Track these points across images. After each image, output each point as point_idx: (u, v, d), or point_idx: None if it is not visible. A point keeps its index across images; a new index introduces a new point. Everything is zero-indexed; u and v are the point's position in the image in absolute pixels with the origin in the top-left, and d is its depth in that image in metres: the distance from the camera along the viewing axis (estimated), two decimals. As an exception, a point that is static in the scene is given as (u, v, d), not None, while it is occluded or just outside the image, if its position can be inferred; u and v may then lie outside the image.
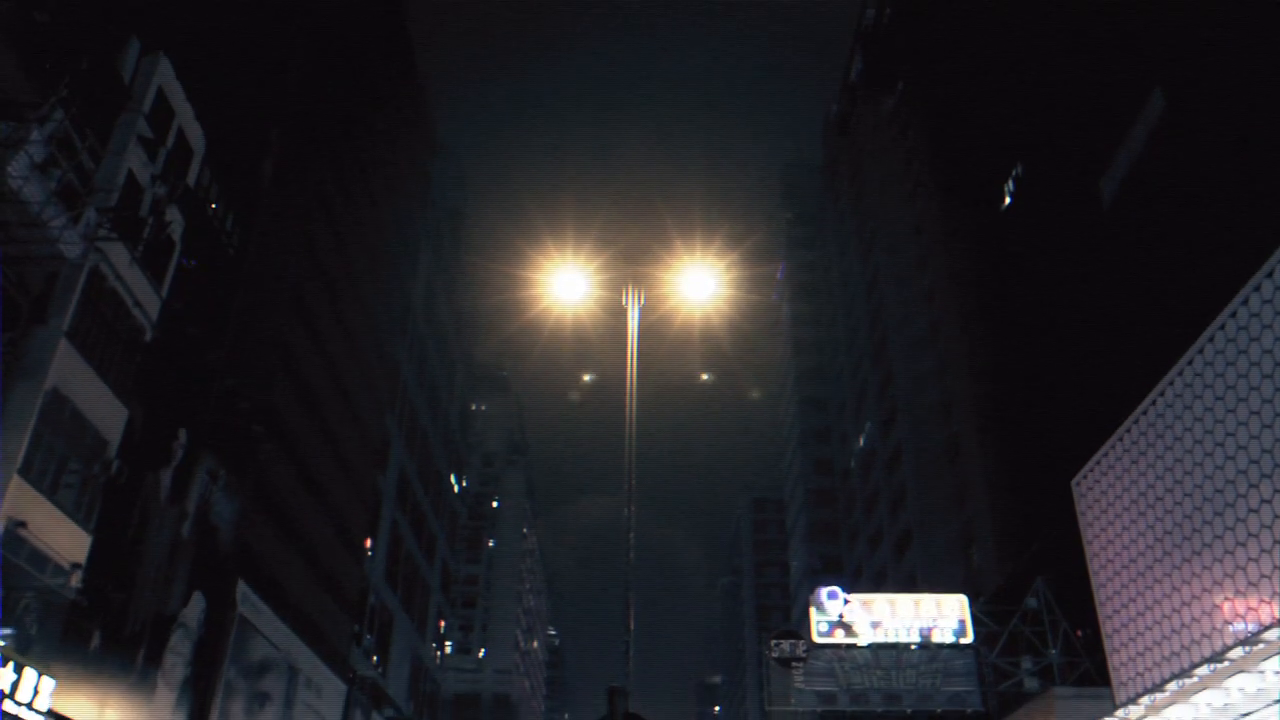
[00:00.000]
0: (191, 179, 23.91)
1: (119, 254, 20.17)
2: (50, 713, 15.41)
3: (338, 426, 37.63)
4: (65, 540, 18.59)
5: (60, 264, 18.63)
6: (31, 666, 14.56)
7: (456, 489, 69.53)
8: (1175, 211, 24.98)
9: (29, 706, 14.35)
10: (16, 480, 17.02)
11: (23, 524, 17.08)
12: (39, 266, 18.28)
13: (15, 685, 14.05)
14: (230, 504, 27.15)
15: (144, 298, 21.37)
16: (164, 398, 22.80)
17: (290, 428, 32.41)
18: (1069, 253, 31.54)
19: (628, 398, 12.25)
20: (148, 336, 21.68)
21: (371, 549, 44.07)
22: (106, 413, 20.11)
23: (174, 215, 22.78)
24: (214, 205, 25.61)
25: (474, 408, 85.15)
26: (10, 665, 13.94)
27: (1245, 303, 17.49)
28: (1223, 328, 18.23)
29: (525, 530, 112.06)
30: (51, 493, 18.33)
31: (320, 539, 35.76)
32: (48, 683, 14.83)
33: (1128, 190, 27.88)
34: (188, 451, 24.36)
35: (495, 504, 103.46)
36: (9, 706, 13.81)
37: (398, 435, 48.79)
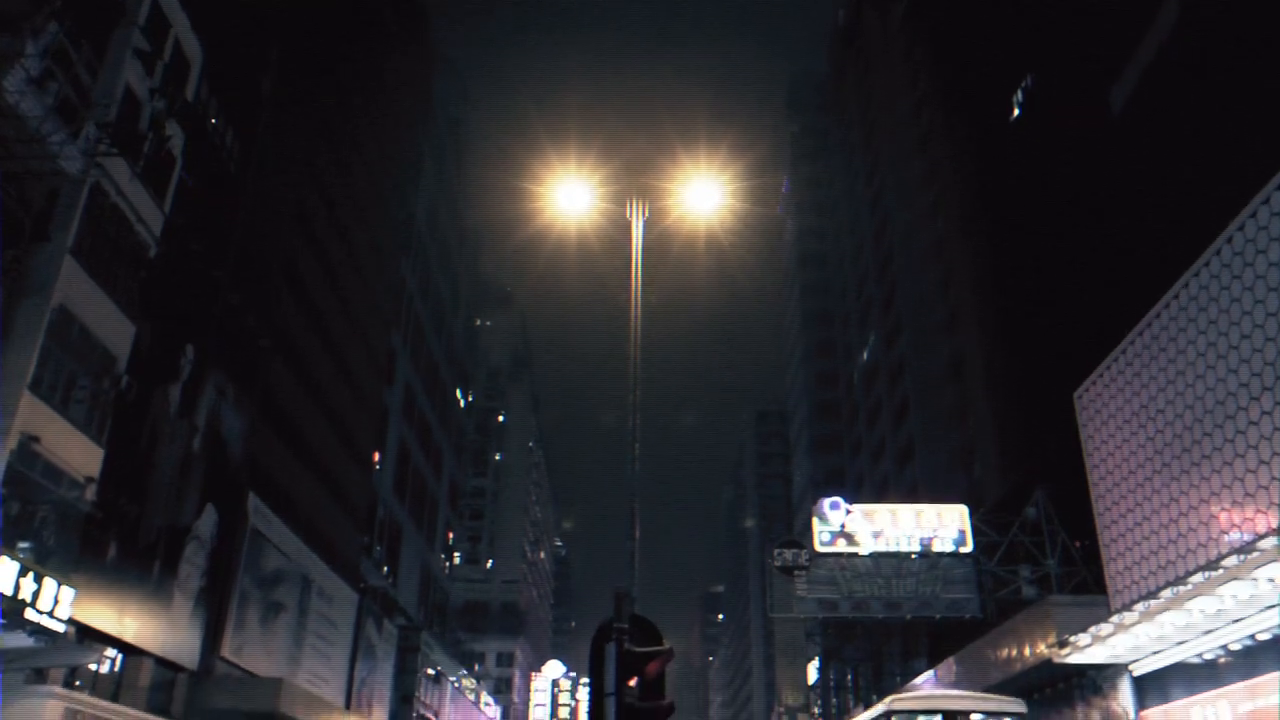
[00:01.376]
0: (190, 93, 23.54)
1: (120, 170, 19.99)
2: (71, 621, 15.85)
3: (343, 342, 37.81)
4: (78, 454, 18.87)
5: (61, 180, 18.48)
6: (51, 577, 14.93)
7: (462, 404, 70.16)
8: (1186, 122, 24.56)
9: (50, 615, 14.76)
10: (27, 396, 17.19)
11: (36, 439, 17.31)
12: (40, 183, 18.14)
13: (36, 594, 14.42)
14: (239, 418, 27.45)
15: (147, 214, 21.26)
16: (170, 314, 22.87)
17: (296, 343, 32.58)
18: (1077, 165, 31.13)
19: (632, 310, 12.27)
20: (152, 253, 21.63)
21: (379, 463, 44.69)
22: (114, 329, 20.19)
23: (174, 130, 22.50)
24: (213, 120, 25.27)
25: (479, 323, 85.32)
26: (31, 575, 14.30)
27: (1254, 215, 17.34)
28: (1229, 241, 18.11)
29: (531, 444, 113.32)
30: (63, 408, 18.53)
31: (328, 453, 36.25)
32: (67, 592, 15.23)
33: (1138, 100, 27.36)
34: (195, 367, 24.54)
35: (501, 418, 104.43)
36: (31, 615, 14.20)
37: (403, 351, 49.02)
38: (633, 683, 8.32)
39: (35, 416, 17.44)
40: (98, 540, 20.16)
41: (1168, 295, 20.48)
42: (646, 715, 8.25)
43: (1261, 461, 17.06)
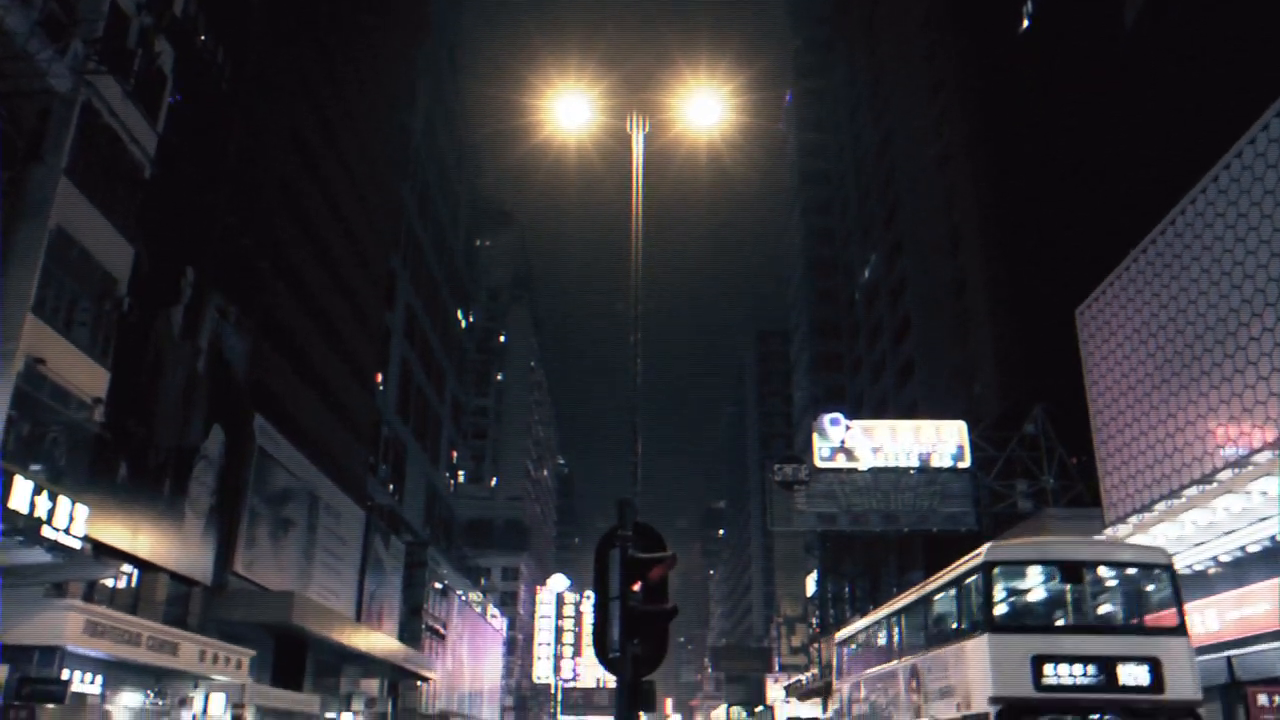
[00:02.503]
0: (178, 8, 23.02)
1: (111, 89, 19.66)
2: (87, 538, 16.17)
3: (343, 264, 37.68)
4: (84, 376, 18.99)
5: (51, 99, 18.20)
6: (65, 495, 15.18)
7: (463, 324, 70.21)
8: (1197, 36, 24.05)
9: (66, 532, 15.05)
10: (31, 318, 17.23)
11: (41, 361, 17.40)
12: (30, 102, 17.86)
13: (52, 512, 14.69)
14: (241, 340, 27.55)
15: (140, 134, 20.98)
16: (169, 236, 22.76)
17: (296, 264, 32.48)
18: (1085, 79, 30.57)
19: (633, 226, 12.20)
20: (147, 174, 21.42)
21: (382, 383, 44.96)
22: (113, 251, 20.12)
23: (163, 46, 22.05)
24: (203, 37, 24.74)
25: (478, 243, 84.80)
26: (45, 494, 14.54)
27: (1265, 129, 17.12)
28: (1239, 155, 17.91)
29: (532, 364, 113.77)
30: (66, 330, 18.59)
31: (331, 373, 36.45)
32: (81, 510, 15.49)
33: (1150, 12, 26.74)
34: (196, 289, 24.52)
35: (502, 339, 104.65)
36: (47, 532, 14.49)
37: (403, 272, 48.87)
38: (636, 587, 8.51)
39: (39, 338, 17.50)
40: (108, 461, 20.42)
41: (1173, 212, 20.34)
42: (650, 618, 8.47)
43: (1260, 377, 17.16)
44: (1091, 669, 11.64)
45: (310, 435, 33.40)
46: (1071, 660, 11.69)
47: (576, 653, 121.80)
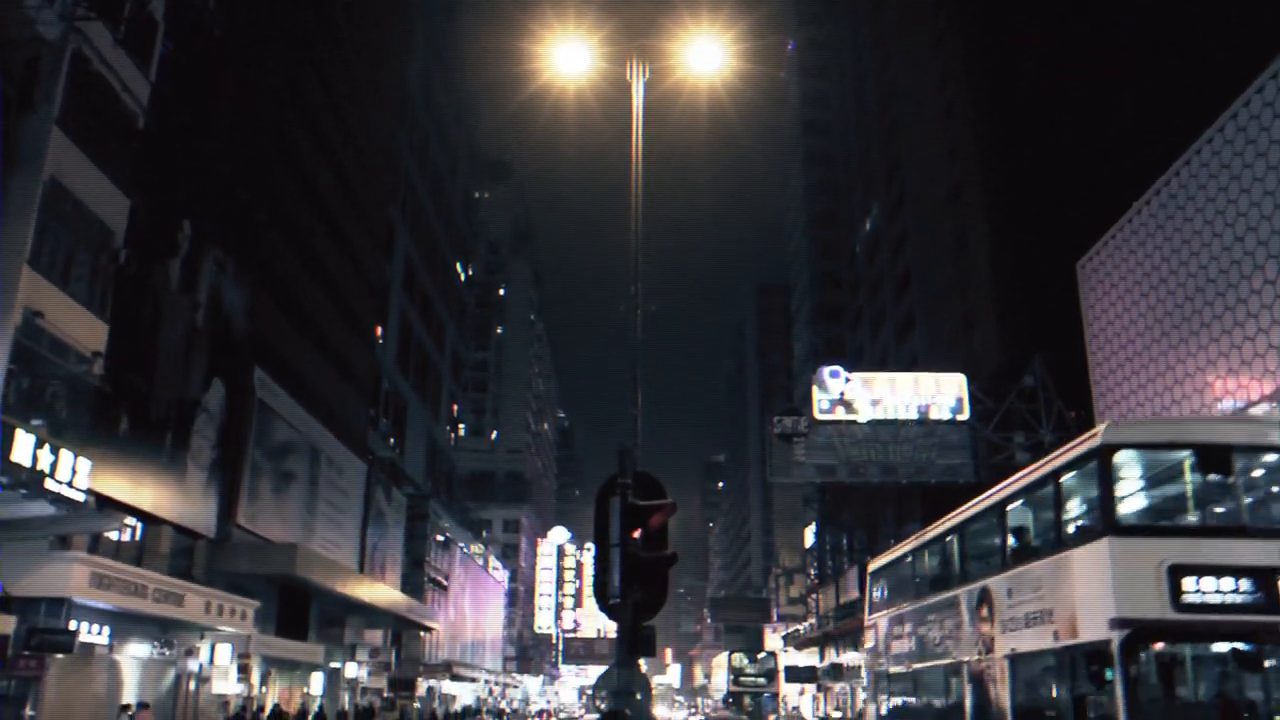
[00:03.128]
0: (168, -47, 22.58)
1: (101, 36, 19.36)
2: (90, 491, 16.25)
3: (341, 216, 37.42)
4: (83, 329, 18.95)
5: (40, 46, 17.92)
6: (67, 449, 15.22)
7: (462, 278, 69.95)
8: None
9: (69, 485, 15.11)
10: (27, 271, 17.14)
11: (39, 314, 17.35)
12: (19, 50, 17.60)
13: (54, 465, 14.73)
14: (239, 293, 27.45)
15: (132, 82, 20.70)
16: (165, 188, 22.55)
17: (293, 217, 32.25)
18: (1090, 33, 30.12)
19: (633, 174, 12.07)
20: (140, 124, 21.17)
21: (381, 337, 44.92)
22: (108, 203, 19.95)
23: (154, -7, 21.68)
24: (195, -18, 24.32)
25: (477, 195, 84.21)
26: (47, 447, 14.57)
27: (1275, 77, 16.90)
28: (1246, 105, 17.70)
29: (532, 317, 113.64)
30: (63, 283, 18.50)
31: (330, 327, 36.38)
32: (84, 463, 15.54)
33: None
34: (193, 242, 24.36)
35: (502, 292, 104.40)
36: (51, 485, 14.55)
37: (402, 225, 48.57)
38: (637, 535, 8.54)
39: (37, 291, 17.43)
40: (109, 414, 20.45)
41: (1177, 164, 20.16)
42: (650, 565, 8.51)
43: (1260, 330, 17.13)
44: (1246, 583, 8.97)
45: (310, 388, 33.44)
46: (1220, 572, 9.01)
47: (577, 604, 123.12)
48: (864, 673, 24.07)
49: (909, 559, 16.70)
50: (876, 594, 18.84)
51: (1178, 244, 20.07)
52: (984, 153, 41.15)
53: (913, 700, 15.96)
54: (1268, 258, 16.84)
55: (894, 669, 16.63)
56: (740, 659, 48.97)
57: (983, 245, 40.74)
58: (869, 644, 18.98)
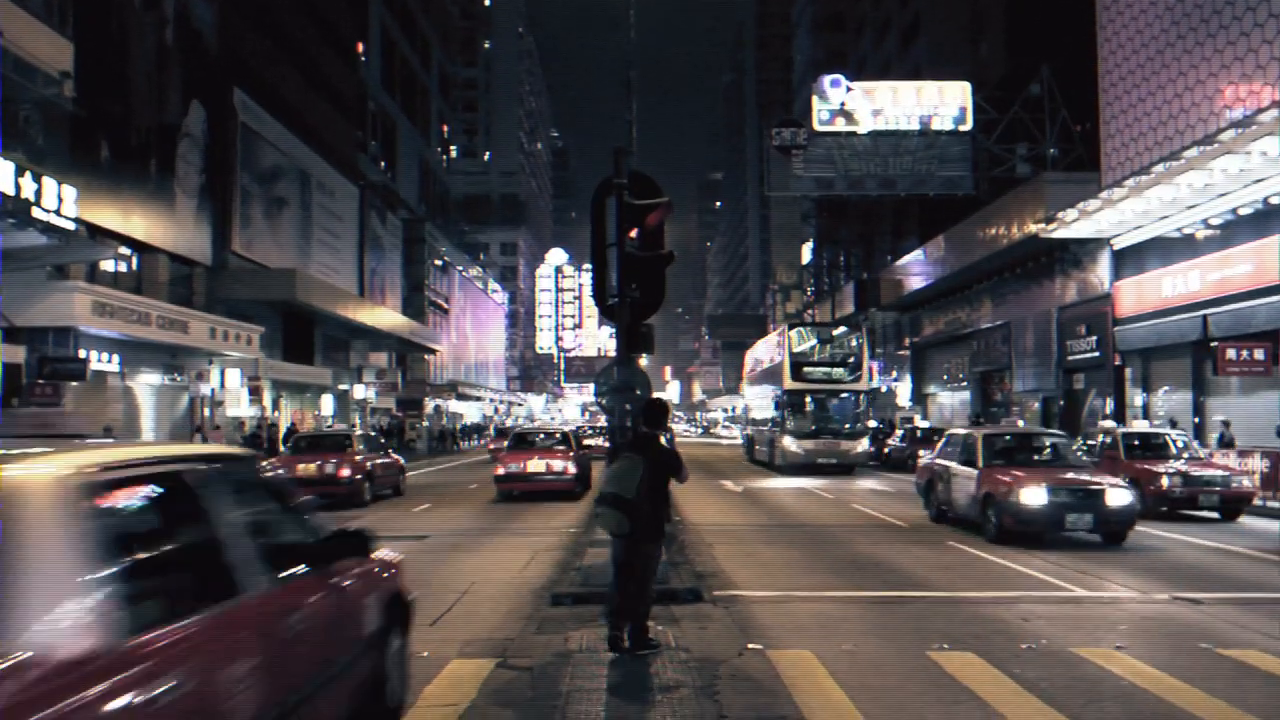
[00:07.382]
0: None
1: None
2: (80, 220, 16.14)
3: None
4: (47, 48, 18.07)
5: None
6: (50, 177, 14.94)
7: (444, -13, 65.69)
8: None
9: (57, 214, 14.97)
10: (-24, -13, 16.08)
11: (-3, 33, 16.44)
12: None
13: (39, 193, 14.51)
14: (208, 7, 25.92)
15: None
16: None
17: (255, -80, 29.78)
18: None
19: None
20: None
21: (364, 54, 42.91)
22: (50, -93, 18.37)
23: None
24: None
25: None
26: (29, 175, 14.30)
27: None
28: None
29: (521, 29, 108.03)
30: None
31: (308, 41, 34.62)
32: (69, 191, 15.31)
33: None
34: (150, -49, 22.66)
35: (487, 1, 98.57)
36: (37, 213, 14.38)
37: (374, -73, 44.94)
38: (633, 234, 8.44)
39: (-10, 9, 16.43)
40: (88, 141, 19.96)
41: None
42: (647, 263, 8.47)
43: (1264, 41, 16.41)
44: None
45: (294, 110, 32.40)
46: None
47: (577, 324, 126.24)
48: None
49: None
50: None
51: (1207, -64, 18.70)
52: None
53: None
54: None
55: None
56: (803, 336, 29.52)
57: (998, -59, 37.89)
58: None
